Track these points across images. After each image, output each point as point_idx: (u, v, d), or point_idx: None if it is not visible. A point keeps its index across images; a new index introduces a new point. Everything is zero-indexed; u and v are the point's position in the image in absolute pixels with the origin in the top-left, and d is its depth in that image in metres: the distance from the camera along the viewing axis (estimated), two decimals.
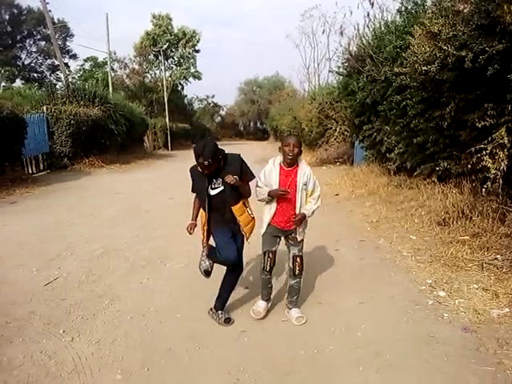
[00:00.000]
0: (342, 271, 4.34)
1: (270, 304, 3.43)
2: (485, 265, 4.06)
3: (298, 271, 3.26)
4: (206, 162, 2.86)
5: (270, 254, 3.23)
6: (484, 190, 4.57)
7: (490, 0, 4.42)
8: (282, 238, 3.29)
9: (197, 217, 3.30)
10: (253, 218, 3.24)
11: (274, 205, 3.13)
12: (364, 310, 3.46)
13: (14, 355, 2.79)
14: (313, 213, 3.17)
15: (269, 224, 3.19)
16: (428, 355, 2.76)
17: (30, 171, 12.16)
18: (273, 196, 3.07)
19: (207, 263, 3.22)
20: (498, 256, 4.15)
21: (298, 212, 3.09)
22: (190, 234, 3.26)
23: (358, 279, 4.12)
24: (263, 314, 3.32)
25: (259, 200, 3.18)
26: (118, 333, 3.12)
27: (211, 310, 3.29)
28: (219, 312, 3.24)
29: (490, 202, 4.88)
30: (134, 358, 2.78)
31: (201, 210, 3.23)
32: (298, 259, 3.24)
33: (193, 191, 3.27)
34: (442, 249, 4.63)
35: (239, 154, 3.17)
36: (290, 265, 3.29)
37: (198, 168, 3.00)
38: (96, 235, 5.79)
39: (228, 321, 3.20)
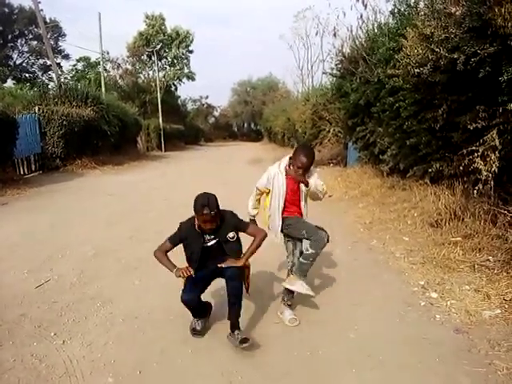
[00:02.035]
0: (335, 272, 4.34)
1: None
2: (476, 266, 4.09)
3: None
4: (212, 213, 2.79)
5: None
6: (476, 191, 4.59)
7: (482, 3, 4.45)
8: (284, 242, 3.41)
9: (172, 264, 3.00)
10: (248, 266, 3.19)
11: (280, 209, 3.22)
12: (357, 311, 3.46)
13: (4, 358, 2.76)
14: (320, 192, 3.26)
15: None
16: (421, 356, 2.77)
17: (22, 172, 12.03)
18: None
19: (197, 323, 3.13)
20: (490, 257, 4.18)
21: (304, 212, 3.30)
22: (184, 276, 2.91)
23: (351, 280, 4.13)
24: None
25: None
26: (110, 335, 3.09)
27: (229, 334, 2.94)
28: (235, 332, 2.91)
29: (482, 204, 4.91)
30: (126, 361, 2.76)
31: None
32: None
33: (170, 240, 3.04)
34: (434, 250, 4.65)
35: (231, 211, 3.07)
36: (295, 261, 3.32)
37: (195, 226, 2.92)
38: (88, 237, 5.75)
39: (245, 341, 2.81)
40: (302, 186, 3.19)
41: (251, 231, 3.09)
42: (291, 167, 3.14)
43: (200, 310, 3.13)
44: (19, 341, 3.00)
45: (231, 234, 3.00)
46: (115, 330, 3.18)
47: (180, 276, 2.90)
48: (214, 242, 3.00)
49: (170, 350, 2.89)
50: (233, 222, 3.02)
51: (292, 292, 3.30)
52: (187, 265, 3.01)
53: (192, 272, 2.90)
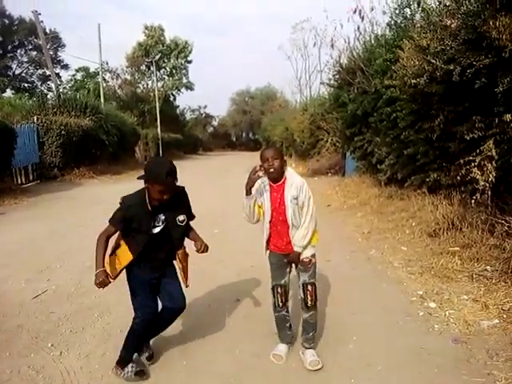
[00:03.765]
0: (333, 282, 4.33)
1: (292, 347, 2.95)
2: (475, 276, 4.09)
3: (310, 302, 2.76)
4: (176, 181, 2.43)
5: (279, 289, 2.79)
6: (473, 201, 4.62)
7: (477, 15, 4.53)
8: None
9: (104, 261, 2.53)
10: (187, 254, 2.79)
11: (266, 227, 2.75)
12: (356, 321, 3.45)
13: (1, 370, 2.74)
14: (307, 240, 2.69)
15: (269, 251, 2.82)
16: (419, 366, 2.76)
17: (20, 182, 12.05)
18: (249, 186, 2.62)
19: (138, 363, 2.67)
20: (488, 267, 4.18)
21: (291, 230, 2.68)
22: (102, 288, 2.45)
23: (349, 290, 4.12)
24: (284, 359, 2.83)
25: (246, 216, 2.76)
26: (107, 346, 3.07)
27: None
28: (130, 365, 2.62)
29: (480, 214, 4.93)
30: None
31: (116, 250, 2.63)
32: (310, 287, 2.74)
33: (114, 224, 2.56)
34: (432, 260, 4.66)
35: (183, 187, 2.66)
36: (301, 294, 2.78)
37: (147, 203, 2.47)
38: (86, 246, 5.68)
39: (141, 374, 2.61)
40: (287, 197, 2.64)
41: (192, 231, 2.75)
42: (263, 171, 2.64)
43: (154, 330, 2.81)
44: (16, 352, 2.98)
45: (181, 218, 2.60)
46: (113, 340, 3.15)
47: (97, 286, 2.42)
48: (161, 227, 2.56)
49: (167, 361, 2.87)
50: (187, 202, 2.66)
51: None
52: (127, 253, 2.56)
53: (107, 280, 2.42)
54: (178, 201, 2.58)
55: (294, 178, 2.71)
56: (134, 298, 2.68)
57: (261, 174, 2.61)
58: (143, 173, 2.48)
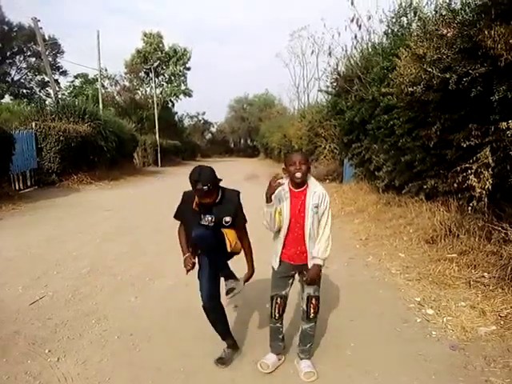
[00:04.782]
0: (331, 289, 4.33)
1: (283, 360, 2.90)
2: (472, 282, 4.11)
3: (312, 314, 2.75)
4: (205, 187, 2.49)
5: (279, 300, 2.74)
6: (470, 208, 4.64)
7: (472, 25, 4.60)
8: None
9: (188, 248, 2.83)
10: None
11: (283, 233, 2.66)
12: (354, 327, 3.46)
13: None
14: (328, 252, 2.69)
15: (280, 260, 2.72)
16: (417, 373, 2.76)
17: (17, 187, 12.01)
18: (269, 193, 2.53)
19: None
20: (485, 274, 4.20)
21: (307, 240, 2.62)
22: (189, 270, 2.75)
23: (347, 297, 4.13)
24: (272, 369, 2.78)
25: (266, 224, 2.66)
26: (104, 352, 3.06)
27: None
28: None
29: (477, 220, 4.95)
30: (122, 379, 2.73)
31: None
32: (314, 300, 2.72)
33: (176, 218, 2.93)
34: (430, 266, 4.67)
35: (238, 192, 2.81)
36: (304, 306, 2.77)
37: (194, 203, 2.66)
38: (84, 252, 5.72)
39: (219, 361, 2.88)
40: (308, 205, 2.58)
41: (240, 231, 2.80)
42: (287, 175, 2.63)
43: (222, 320, 2.90)
44: (13, 358, 2.96)
45: (228, 219, 2.70)
46: (110, 347, 3.15)
47: (186, 268, 2.73)
48: (211, 224, 2.69)
49: (166, 367, 2.86)
50: (234, 203, 2.74)
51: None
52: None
53: (192, 262, 2.73)
54: (227, 203, 2.72)
55: (317, 187, 2.65)
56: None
57: (282, 181, 2.54)
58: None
